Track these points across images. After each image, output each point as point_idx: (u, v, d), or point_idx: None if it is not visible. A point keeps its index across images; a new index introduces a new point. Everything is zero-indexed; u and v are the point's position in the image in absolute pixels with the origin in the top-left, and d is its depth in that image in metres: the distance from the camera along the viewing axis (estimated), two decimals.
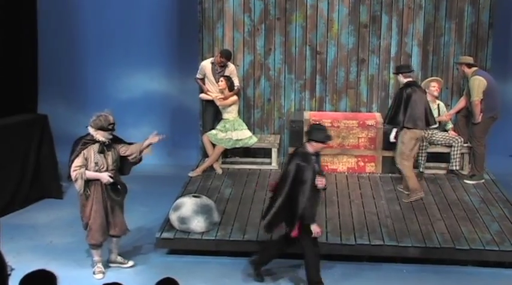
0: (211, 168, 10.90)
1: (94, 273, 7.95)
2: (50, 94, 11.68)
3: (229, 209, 9.36)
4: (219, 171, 10.90)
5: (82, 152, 7.61)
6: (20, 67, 10.96)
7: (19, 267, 6.23)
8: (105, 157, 7.72)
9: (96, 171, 7.68)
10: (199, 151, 11.66)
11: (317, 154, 7.54)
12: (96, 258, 8.02)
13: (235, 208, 9.41)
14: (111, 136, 7.72)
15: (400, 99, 9.83)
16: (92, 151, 7.65)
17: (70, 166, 7.68)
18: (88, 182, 7.68)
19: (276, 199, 7.48)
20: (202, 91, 11.18)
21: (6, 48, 10.63)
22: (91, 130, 7.65)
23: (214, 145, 10.87)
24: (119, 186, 7.89)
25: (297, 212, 7.29)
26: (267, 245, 8.04)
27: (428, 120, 9.88)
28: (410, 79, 10.02)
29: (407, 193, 9.91)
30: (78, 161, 7.60)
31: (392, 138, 10.12)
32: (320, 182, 7.44)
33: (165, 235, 8.55)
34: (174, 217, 8.65)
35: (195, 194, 9.15)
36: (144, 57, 12.37)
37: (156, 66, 12.43)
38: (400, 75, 9.98)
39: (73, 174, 7.62)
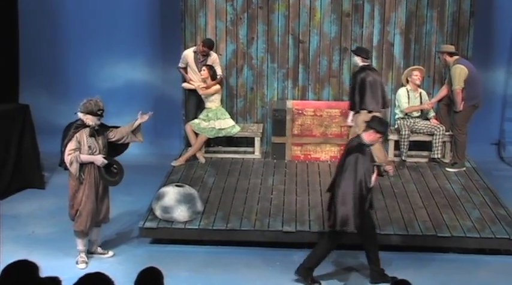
0: (194, 157, 10.88)
1: (77, 263, 7.93)
2: (32, 84, 11.60)
3: (212, 198, 9.35)
4: (202, 160, 10.88)
5: (75, 136, 7.64)
6: (1, 57, 10.87)
7: (2, 258, 6.21)
8: (96, 141, 7.76)
9: (90, 154, 7.72)
10: (182, 140, 11.64)
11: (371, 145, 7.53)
12: (81, 247, 8.00)
13: (218, 197, 9.40)
14: (99, 122, 7.76)
15: (354, 83, 10.10)
16: (84, 135, 7.69)
17: (63, 151, 7.69)
18: (81, 166, 7.69)
19: (338, 194, 7.41)
20: (184, 80, 11.16)
21: None
22: (80, 115, 7.69)
23: (197, 135, 10.86)
24: (114, 166, 7.89)
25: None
26: (317, 247, 7.81)
27: (384, 102, 10.15)
28: (367, 63, 10.18)
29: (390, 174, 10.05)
30: (72, 145, 7.62)
31: (349, 122, 10.37)
32: (390, 169, 7.59)
33: (148, 224, 8.54)
34: (157, 207, 8.65)
35: (178, 184, 9.15)
36: (126, 47, 12.31)
37: (138, 55, 12.38)
38: (358, 57, 10.18)
39: (68, 158, 7.63)
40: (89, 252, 8.16)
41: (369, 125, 7.44)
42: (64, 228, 8.99)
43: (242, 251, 8.39)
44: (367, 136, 7.39)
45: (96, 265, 7.81)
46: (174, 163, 10.69)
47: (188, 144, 11.14)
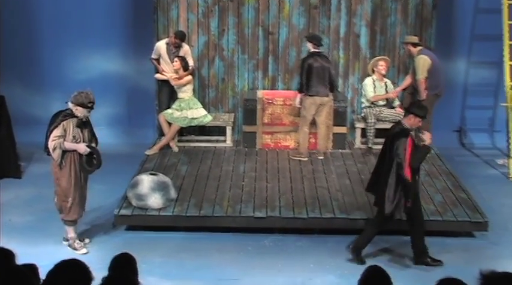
0: (167, 146, 10.86)
1: (76, 249, 7.96)
2: (7, 75, 11.50)
3: (186, 185, 9.35)
4: (175, 149, 10.87)
5: (62, 123, 7.63)
6: None
7: None
8: (82, 132, 7.77)
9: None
10: (155, 129, 11.61)
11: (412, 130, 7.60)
12: (73, 235, 8.03)
13: (191, 184, 9.40)
14: (88, 114, 7.77)
15: (302, 68, 10.30)
16: (71, 124, 7.68)
17: (48, 137, 7.67)
18: (64, 153, 7.68)
19: (386, 181, 7.42)
20: (157, 71, 11.12)
21: None
22: (71, 106, 7.68)
23: (170, 124, 10.84)
24: (94, 156, 7.87)
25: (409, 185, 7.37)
26: (366, 227, 7.94)
27: (332, 87, 10.36)
28: (317, 50, 10.31)
29: (303, 158, 10.39)
30: (57, 132, 7.62)
31: (297, 104, 10.54)
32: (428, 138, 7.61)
33: (123, 211, 8.53)
34: (131, 194, 8.63)
35: (152, 172, 9.13)
36: (100, 39, 12.22)
37: (112, 47, 12.30)
38: (310, 43, 10.36)
39: (51, 143, 7.62)
40: (65, 239, 8.13)
41: (408, 110, 7.57)
42: (40, 216, 8.97)
43: (215, 237, 8.40)
44: (408, 121, 7.50)
45: (72, 251, 7.85)
46: (148, 152, 10.67)
47: (161, 133, 11.11)
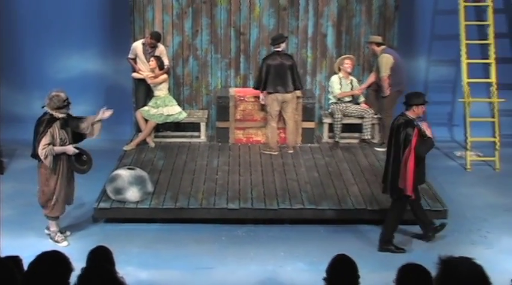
0: (144, 142, 10.83)
1: (57, 242, 7.91)
2: None
3: (162, 179, 9.33)
4: (152, 144, 10.83)
5: (48, 131, 7.55)
6: None
7: None
8: (66, 131, 7.74)
9: (62, 146, 7.67)
10: (132, 126, 11.56)
11: (417, 119, 7.63)
12: (55, 228, 7.99)
13: (167, 178, 9.38)
14: (68, 112, 7.73)
15: (261, 67, 10.34)
16: (56, 128, 7.62)
17: (37, 145, 7.58)
18: (54, 158, 7.63)
19: (397, 169, 7.52)
20: (134, 70, 11.07)
21: None
22: (49, 111, 7.61)
23: (146, 121, 10.80)
24: (84, 156, 7.85)
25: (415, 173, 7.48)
26: (387, 220, 7.92)
27: (295, 85, 10.32)
28: (279, 49, 10.32)
29: (274, 152, 10.41)
30: (46, 140, 7.54)
31: (261, 101, 10.63)
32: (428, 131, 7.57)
33: (102, 205, 8.49)
34: (110, 188, 8.59)
35: (130, 167, 9.11)
36: (79, 39, 12.14)
37: (91, 47, 12.22)
38: (273, 45, 10.44)
39: (42, 152, 7.53)
40: (47, 228, 8.08)
41: (408, 103, 7.63)
42: (22, 211, 8.88)
43: (190, 228, 8.38)
44: (412, 113, 7.58)
45: (53, 244, 7.81)
46: (125, 148, 10.63)
47: (138, 130, 11.07)
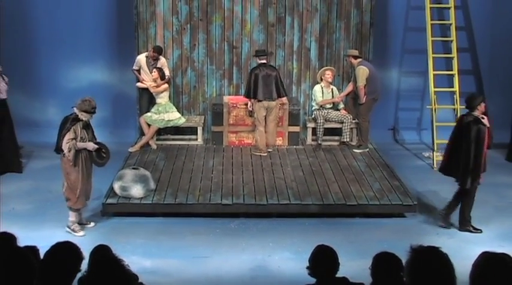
0: (147, 144, 10.80)
1: (74, 231, 7.91)
2: (10, 84, 11.24)
3: (163, 178, 9.31)
4: (154, 147, 10.82)
5: (72, 128, 7.63)
6: None
7: None
8: (87, 132, 7.80)
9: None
10: (137, 130, 11.53)
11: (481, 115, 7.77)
12: (74, 219, 8.00)
13: (167, 177, 9.36)
14: (91, 118, 7.83)
15: (249, 77, 10.38)
16: (79, 127, 7.69)
17: (61, 140, 7.67)
18: (76, 153, 7.67)
19: (468, 165, 7.73)
20: (138, 80, 11.05)
21: None
22: (76, 111, 7.72)
23: (149, 125, 10.78)
24: (103, 150, 7.93)
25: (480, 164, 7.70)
26: (463, 204, 8.14)
27: (279, 93, 10.36)
28: (264, 61, 10.38)
29: (263, 153, 10.40)
30: (70, 135, 7.63)
31: (249, 107, 10.66)
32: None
33: (110, 200, 8.48)
34: (116, 186, 8.58)
35: (134, 167, 9.10)
36: (89, 53, 12.10)
37: (99, 60, 12.18)
38: (255, 57, 10.51)
39: (66, 145, 7.61)
40: (78, 223, 8.10)
41: (470, 106, 7.77)
42: (38, 205, 8.88)
43: (188, 221, 8.38)
44: (478, 112, 7.72)
45: (68, 235, 7.79)
46: (130, 149, 10.61)
47: (142, 133, 11.04)
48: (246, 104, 10.78)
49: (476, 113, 7.77)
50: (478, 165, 7.75)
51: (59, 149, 7.80)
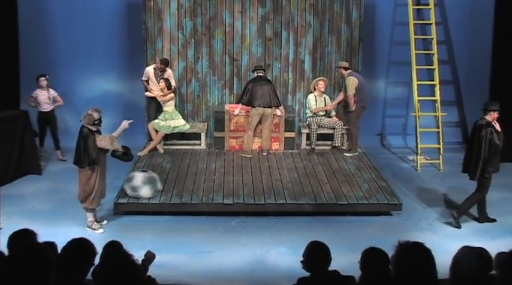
0: (155, 149, 10.81)
1: (94, 229, 7.93)
2: (29, 94, 11.29)
3: (169, 179, 9.31)
4: (161, 151, 10.83)
5: (95, 134, 7.69)
6: (6, 75, 10.81)
7: (8, 227, 6.09)
8: None
9: (97, 153, 7.72)
10: (145, 136, 11.54)
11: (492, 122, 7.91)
12: (92, 218, 8.02)
13: (174, 178, 9.37)
14: (99, 127, 7.83)
15: (246, 86, 10.56)
16: (94, 136, 7.74)
17: (81, 151, 7.67)
18: (94, 161, 7.69)
19: (478, 161, 7.85)
20: (146, 90, 11.07)
21: None
22: (85, 125, 7.73)
23: (157, 131, 10.80)
24: (126, 152, 8.04)
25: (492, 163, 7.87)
26: (467, 199, 8.25)
27: (270, 101, 10.46)
28: (261, 74, 10.59)
29: (248, 155, 10.46)
30: (100, 138, 7.70)
31: (237, 112, 10.78)
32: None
33: (121, 200, 8.49)
34: (127, 187, 8.59)
35: (143, 169, 9.11)
36: (102, 65, 12.12)
37: (111, 71, 12.20)
38: (255, 71, 10.66)
39: (107, 142, 7.69)
40: (96, 221, 8.12)
41: (487, 109, 7.92)
42: (56, 205, 8.88)
43: (193, 219, 8.39)
44: (490, 117, 7.86)
45: (80, 231, 7.77)
46: (139, 154, 10.60)
47: (150, 139, 11.04)
48: (247, 112, 10.80)
49: (489, 118, 7.90)
50: (486, 162, 7.85)
51: (78, 162, 7.77)
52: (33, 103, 10.72)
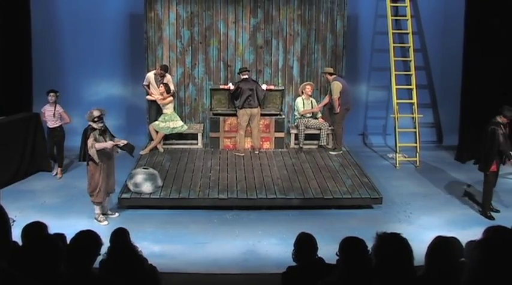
0: (155, 148, 10.81)
1: (100, 221, 7.92)
2: (40, 98, 11.21)
3: (169, 176, 9.31)
4: (161, 150, 10.82)
5: (91, 134, 7.66)
6: (20, 81, 10.77)
7: (21, 220, 6.09)
8: (104, 138, 7.78)
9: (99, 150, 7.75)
10: (146, 136, 11.51)
11: (502, 124, 7.97)
12: (99, 211, 7.99)
13: (173, 175, 9.36)
14: (101, 124, 7.75)
15: (235, 90, 10.54)
16: (96, 134, 7.72)
17: (84, 148, 7.71)
18: (98, 156, 7.67)
19: (484, 151, 8.00)
20: (147, 94, 11.07)
21: (8, 66, 10.50)
22: (89, 122, 7.73)
23: (157, 132, 10.79)
24: (127, 145, 7.96)
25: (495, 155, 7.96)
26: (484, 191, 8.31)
27: (259, 102, 10.50)
28: (246, 76, 10.51)
29: (240, 154, 10.45)
30: (90, 140, 7.65)
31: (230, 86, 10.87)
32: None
33: (124, 195, 8.47)
34: (130, 183, 8.58)
35: (145, 167, 9.09)
36: (107, 71, 12.11)
37: (115, 77, 12.19)
38: (240, 73, 10.62)
39: (90, 145, 7.62)
40: (102, 214, 8.10)
41: (501, 112, 7.97)
42: (65, 199, 8.87)
43: (190, 213, 8.38)
44: (500, 118, 7.94)
45: (87, 223, 7.77)
46: (141, 152, 10.60)
47: (151, 139, 11.04)
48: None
49: (499, 119, 7.97)
50: (489, 155, 7.96)
51: (83, 158, 7.80)
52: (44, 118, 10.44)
